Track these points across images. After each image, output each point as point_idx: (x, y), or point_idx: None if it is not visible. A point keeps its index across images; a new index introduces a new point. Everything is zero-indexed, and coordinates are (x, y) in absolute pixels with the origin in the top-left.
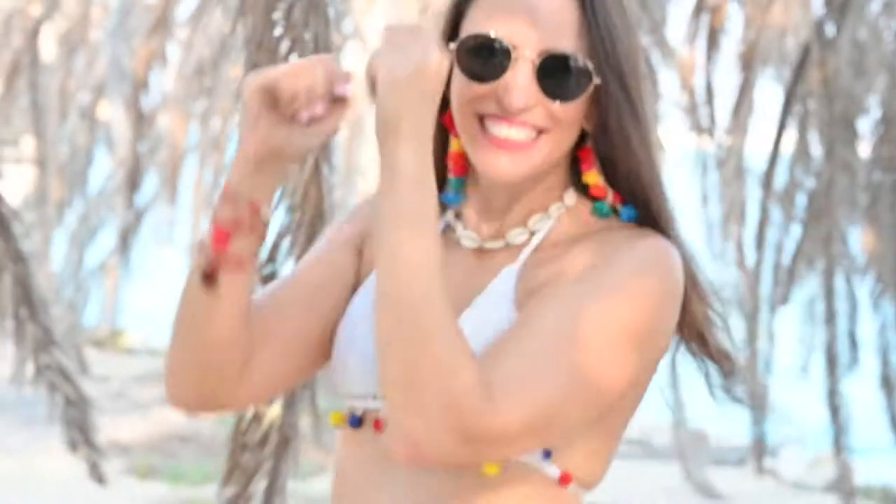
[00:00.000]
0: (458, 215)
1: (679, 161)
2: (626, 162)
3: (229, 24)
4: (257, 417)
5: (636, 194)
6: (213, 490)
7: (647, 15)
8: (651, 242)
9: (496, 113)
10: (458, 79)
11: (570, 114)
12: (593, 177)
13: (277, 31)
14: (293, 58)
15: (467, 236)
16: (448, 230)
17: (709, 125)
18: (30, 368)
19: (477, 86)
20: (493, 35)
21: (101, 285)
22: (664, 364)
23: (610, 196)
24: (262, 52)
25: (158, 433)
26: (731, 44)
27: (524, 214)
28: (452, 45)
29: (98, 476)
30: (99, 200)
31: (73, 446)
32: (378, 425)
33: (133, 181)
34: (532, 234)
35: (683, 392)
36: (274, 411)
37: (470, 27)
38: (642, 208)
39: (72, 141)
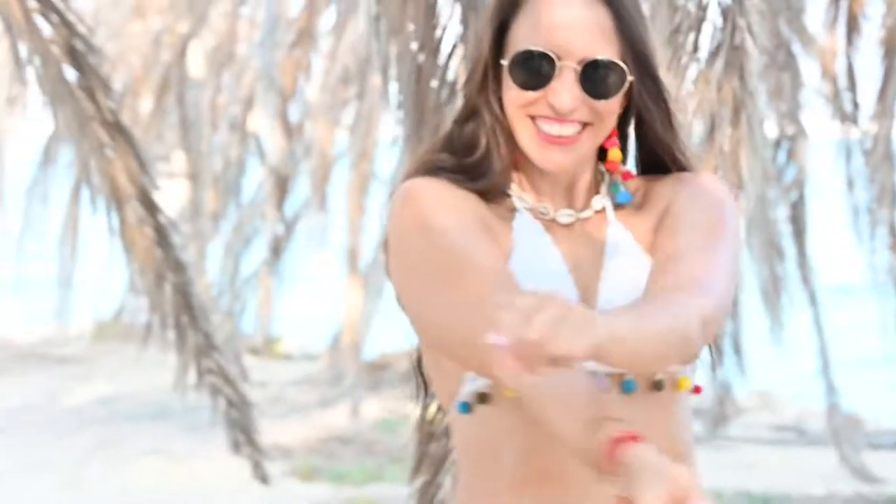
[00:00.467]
0: (535, 199)
1: (822, 148)
2: (664, 134)
3: (374, 30)
4: (441, 406)
5: (667, 155)
6: (376, 489)
7: (785, 3)
8: (706, 173)
9: (547, 114)
10: (511, 88)
11: (610, 107)
12: (615, 152)
13: (437, 33)
14: (454, 63)
15: (566, 214)
16: (539, 213)
17: (852, 112)
18: (192, 374)
19: (529, 93)
20: (539, 50)
21: (256, 293)
22: (815, 350)
23: (621, 169)
24: (427, 52)
25: (318, 436)
26: (872, 29)
27: (591, 186)
28: (504, 62)
29: (262, 475)
30: (251, 210)
31: (236, 447)
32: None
33: (283, 190)
34: (607, 197)
35: (837, 377)
36: None
37: (516, 43)
38: (670, 163)
39: (223, 153)
